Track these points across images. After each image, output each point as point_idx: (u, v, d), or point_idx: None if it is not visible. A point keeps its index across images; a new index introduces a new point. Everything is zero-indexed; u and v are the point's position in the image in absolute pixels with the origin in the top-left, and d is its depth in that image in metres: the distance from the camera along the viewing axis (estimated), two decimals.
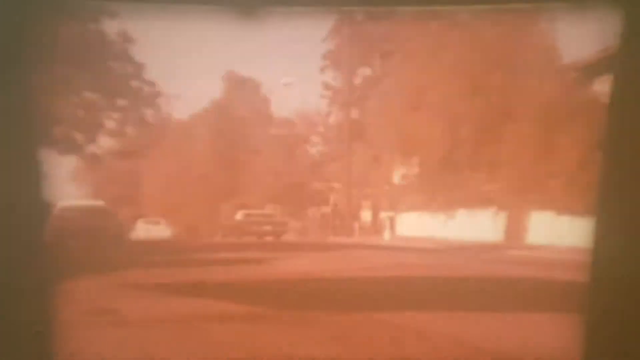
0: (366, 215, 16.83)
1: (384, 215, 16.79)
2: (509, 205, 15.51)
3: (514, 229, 15.47)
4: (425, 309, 6.62)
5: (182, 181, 13.29)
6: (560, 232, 13.58)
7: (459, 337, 5.38)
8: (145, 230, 12.84)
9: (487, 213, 15.84)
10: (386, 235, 16.28)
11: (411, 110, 16.71)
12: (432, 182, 16.18)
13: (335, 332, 5.78)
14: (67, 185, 13.56)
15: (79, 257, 8.86)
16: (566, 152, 14.22)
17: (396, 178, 16.94)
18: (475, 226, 15.93)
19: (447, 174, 15.89)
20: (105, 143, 14.41)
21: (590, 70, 14.97)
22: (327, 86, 19.43)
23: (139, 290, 7.48)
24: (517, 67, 16.28)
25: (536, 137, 15.40)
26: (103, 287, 7.70)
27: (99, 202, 11.91)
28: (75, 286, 7.28)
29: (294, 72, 15.25)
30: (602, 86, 14.79)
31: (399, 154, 16.70)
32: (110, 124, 15.51)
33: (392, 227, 16.64)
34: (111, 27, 14.91)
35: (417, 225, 16.85)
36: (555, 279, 7.84)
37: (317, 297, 7.19)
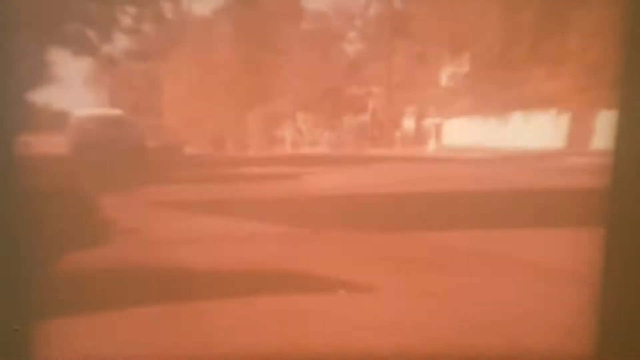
0: (409, 123, 16.35)
1: (429, 122, 16.27)
2: (573, 105, 14.80)
3: (578, 133, 14.86)
4: (476, 226, 6.50)
5: (205, 87, 13.00)
6: None
7: (515, 256, 5.25)
8: None
9: (546, 116, 15.20)
10: (431, 145, 15.89)
11: None
12: (485, 81, 15.49)
13: (376, 252, 5.74)
14: (82, 90, 13.49)
15: (98, 172, 8.94)
16: None
17: (443, 79, 16.23)
18: (532, 131, 15.36)
19: (502, 71, 15.16)
20: (121, 43, 14.09)
21: None
22: None
23: (163, 208, 7.52)
24: None
25: (609, 25, 14.31)
26: (125, 205, 7.76)
27: (117, 111, 11.84)
28: (96, 204, 7.36)
29: None
30: None
31: (447, 50, 15.90)
32: (125, 20, 15.10)
33: (438, 135, 16.18)
34: None
35: (466, 133, 16.32)
36: None
37: (356, 215, 7.11)
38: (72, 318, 3.80)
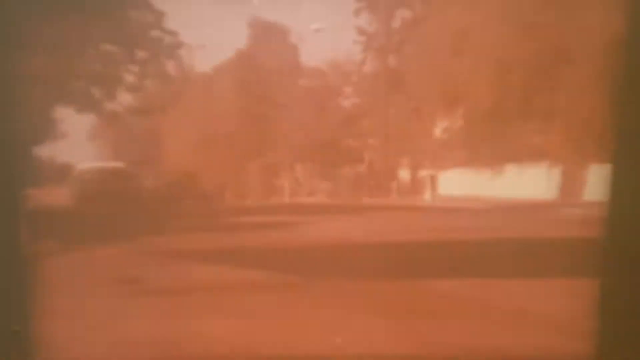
0: (404, 174, 16.56)
1: (424, 173, 16.49)
2: (564, 158, 15.03)
3: (570, 185, 15.03)
4: (471, 275, 6.53)
5: (206, 140, 13.24)
6: None
7: (509, 304, 5.27)
8: None
9: (539, 168, 15.41)
10: (427, 195, 16.03)
11: (455, 55, 16.15)
12: (478, 135, 15.76)
13: (373, 301, 5.74)
14: (85, 145, 13.70)
15: (100, 223, 9.02)
16: None
17: (438, 132, 16.52)
18: (525, 183, 15.54)
19: (494, 125, 15.44)
20: (124, 99, 14.42)
21: None
22: (361, 31, 18.86)
23: (163, 258, 7.57)
24: (576, 1, 15.44)
25: (597, 81, 14.70)
26: (125, 254, 7.82)
27: (119, 164, 12.03)
28: (97, 253, 7.43)
29: (325, 16, 14.82)
30: None
31: (441, 105, 16.24)
32: (129, 78, 15.48)
33: (434, 186, 16.35)
34: None
35: (460, 184, 16.51)
36: None
37: (352, 264, 7.15)
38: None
